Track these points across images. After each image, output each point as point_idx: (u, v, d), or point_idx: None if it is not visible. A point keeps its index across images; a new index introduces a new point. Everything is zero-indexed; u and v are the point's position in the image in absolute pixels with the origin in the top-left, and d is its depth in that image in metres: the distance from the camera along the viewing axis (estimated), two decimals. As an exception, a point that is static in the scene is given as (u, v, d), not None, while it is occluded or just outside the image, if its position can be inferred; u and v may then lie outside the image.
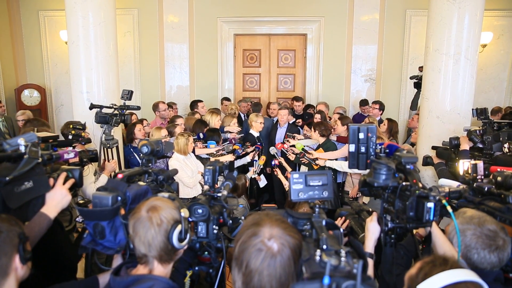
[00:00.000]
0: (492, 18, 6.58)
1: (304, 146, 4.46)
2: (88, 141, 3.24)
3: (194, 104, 6.12)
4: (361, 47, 7.05)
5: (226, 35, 7.24)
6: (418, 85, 4.54)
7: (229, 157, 4.39)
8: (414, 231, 1.70)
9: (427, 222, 1.36)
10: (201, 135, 4.52)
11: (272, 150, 4.88)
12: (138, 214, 1.33)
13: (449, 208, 1.35)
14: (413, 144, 4.62)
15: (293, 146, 4.67)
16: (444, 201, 1.37)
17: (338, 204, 4.38)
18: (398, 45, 7.00)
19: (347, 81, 7.18)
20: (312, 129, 4.58)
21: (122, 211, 1.50)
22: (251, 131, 5.19)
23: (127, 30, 7.08)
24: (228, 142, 4.68)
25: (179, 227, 1.34)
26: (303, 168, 4.58)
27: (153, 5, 7.06)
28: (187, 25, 7.12)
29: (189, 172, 3.95)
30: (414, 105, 5.09)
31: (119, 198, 1.49)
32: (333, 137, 4.65)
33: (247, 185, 4.37)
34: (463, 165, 2.01)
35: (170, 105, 6.07)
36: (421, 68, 4.47)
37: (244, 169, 5.09)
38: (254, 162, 4.59)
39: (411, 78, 4.79)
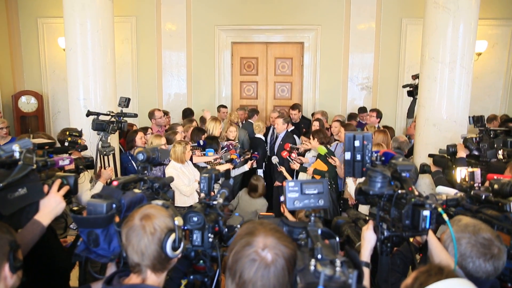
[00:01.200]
0: (487, 27, 6.64)
1: (327, 151, 4.37)
2: (85, 148, 3.23)
3: (189, 113, 6.17)
4: (358, 55, 7.09)
5: (224, 43, 7.27)
6: (411, 94, 4.55)
7: (227, 166, 4.38)
8: (411, 238, 1.68)
9: (423, 231, 1.34)
10: (201, 142, 4.52)
11: (274, 159, 4.87)
12: (131, 223, 1.31)
13: (445, 216, 1.34)
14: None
15: (302, 155, 4.67)
16: (440, 209, 1.36)
17: (337, 212, 4.35)
18: (394, 53, 7.04)
19: (344, 89, 7.21)
20: (311, 137, 4.56)
21: (117, 219, 1.49)
22: (258, 135, 5.27)
23: (125, 37, 7.10)
24: (225, 149, 4.67)
25: (172, 236, 1.32)
26: (303, 176, 4.56)
27: (151, 13, 7.09)
28: (185, 33, 7.14)
29: (186, 181, 3.93)
30: (410, 113, 5.10)
31: (114, 205, 1.48)
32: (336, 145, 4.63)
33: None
34: (460, 173, 2.00)
35: (165, 113, 6.07)
36: (413, 77, 4.49)
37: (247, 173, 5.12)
38: None
39: (404, 86, 4.81)
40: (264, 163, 5.46)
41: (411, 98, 4.73)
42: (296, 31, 7.21)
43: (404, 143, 4.05)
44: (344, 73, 7.16)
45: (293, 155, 4.69)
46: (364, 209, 3.66)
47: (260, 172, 5.33)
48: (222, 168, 4.24)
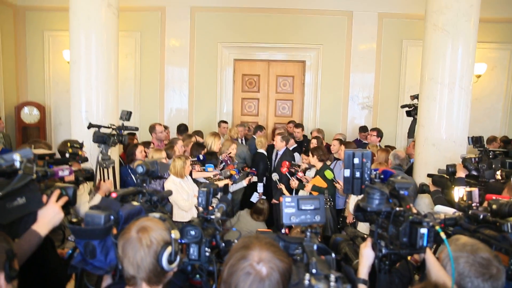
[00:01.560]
0: (486, 50, 6.75)
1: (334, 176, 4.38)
2: (85, 160, 3.23)
3: (183, 129, 6.23)
4: (359, 75, 7.18)
5: (226, 60, 7.37)
6: (409, 114, 4.60)
7: (226, 182, 4.38)
8: (409, 257, 1.68)
9: (421, 249, 1.34)
10: (201, 157, 4.54)
11: (274, 176, 4.86)
12: (127, 235, 1.32)
13: (442, 235, 1.34)
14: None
15: (304, 173, 4.67)
16: (437, 228, 1.36)
17: (337, 230, 4.34)
18: (395, 73, 7.14)
19: (345, 108, 7.27)
20: (310, 154, 4.57)
21: (114, 231, 1.49)
22: (260, 150, 5.36)
23: (129, 52, 7.21)
24: (224, 164, 4.68)
25: (169, 249, 1.32)
26: (302, 194, 4.55)
27: (155, 28, 7.21)
28: (188, 49, 7.25)
29: (184, 195, 3.92)
30: (411, 133, 5.13)
31: (112, 217, 1.48)
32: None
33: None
34: (458, 192, 2.00)
35: (165, 128, 6.11)
36: (412, 97, 4.54)
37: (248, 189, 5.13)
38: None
39: (403, 107, 4.85)
40: (265, 178, 5.47)
41: (411, 118, 4.78)
42: (298, 50, 7.33)
43: (404, 160, 4.05)
44: (345, 92, 7.23)
45: (300, 174, 4.67)
46: (362, 227, 3.65)
47: (260, 186, 5.34)
48: (221, 183, 4.24)
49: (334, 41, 7.16)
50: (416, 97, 4.42)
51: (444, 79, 3.95)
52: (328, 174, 4.34)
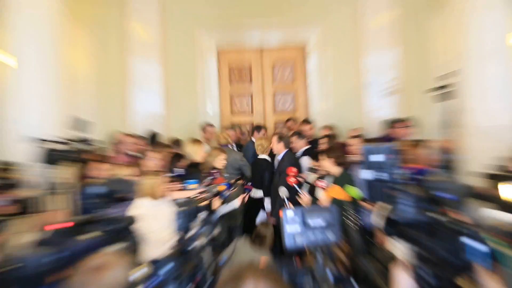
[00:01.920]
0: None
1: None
2: (17, 185, 3.15)
3: (156, 138, 6.31)
4: (375, 55, 7.13)
5: (208, 48, 7.40)
6: (441, 98, 4.55)
7: (216, 203, 4.26)
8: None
9: (473, 269, 1.28)
10: (181, 171, 4.46)
11: (282, 192, 4.71)
12: (75, 278, 1.25)
13: (504, 249, 1.27)
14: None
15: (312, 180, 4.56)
16: (498, 241, 1.29)
17: (364, 250, 4.19)
18: (421, 50, 7.08)
19: (361, 98, 7.22)
20: (324, 157, 4.40)
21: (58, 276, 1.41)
22: (262, 156, 5.40)
23: (84, 47, 7.14)
24: (211, 177, 4.57)
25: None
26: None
27: (114, 15, 7.15)
28: (158, 38, 7.24)
29: (162, 223, 3.82)
30: (448, 122, 5.10)
31: (51, 258, 1.40)
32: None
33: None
34: (505, 190, 1.94)
35: (135, 138, 6.05)
36: (444, 76, 4.48)
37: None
38: None
39: (432, 90, 4.81)
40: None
41: (447, 104, 4.73)
42: (297, 30, 7.46)
43: (452, 154, 4.02)
44: (359, 78, 7.19)
45: (320, 183, 4.53)
46: (398, 247, 3.54)
47: (267, 201, 5.26)
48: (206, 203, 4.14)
49: (340, 15, 7.19)
50: (449, 76, 4.36)
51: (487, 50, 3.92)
52: (352, 191, 4.15)
